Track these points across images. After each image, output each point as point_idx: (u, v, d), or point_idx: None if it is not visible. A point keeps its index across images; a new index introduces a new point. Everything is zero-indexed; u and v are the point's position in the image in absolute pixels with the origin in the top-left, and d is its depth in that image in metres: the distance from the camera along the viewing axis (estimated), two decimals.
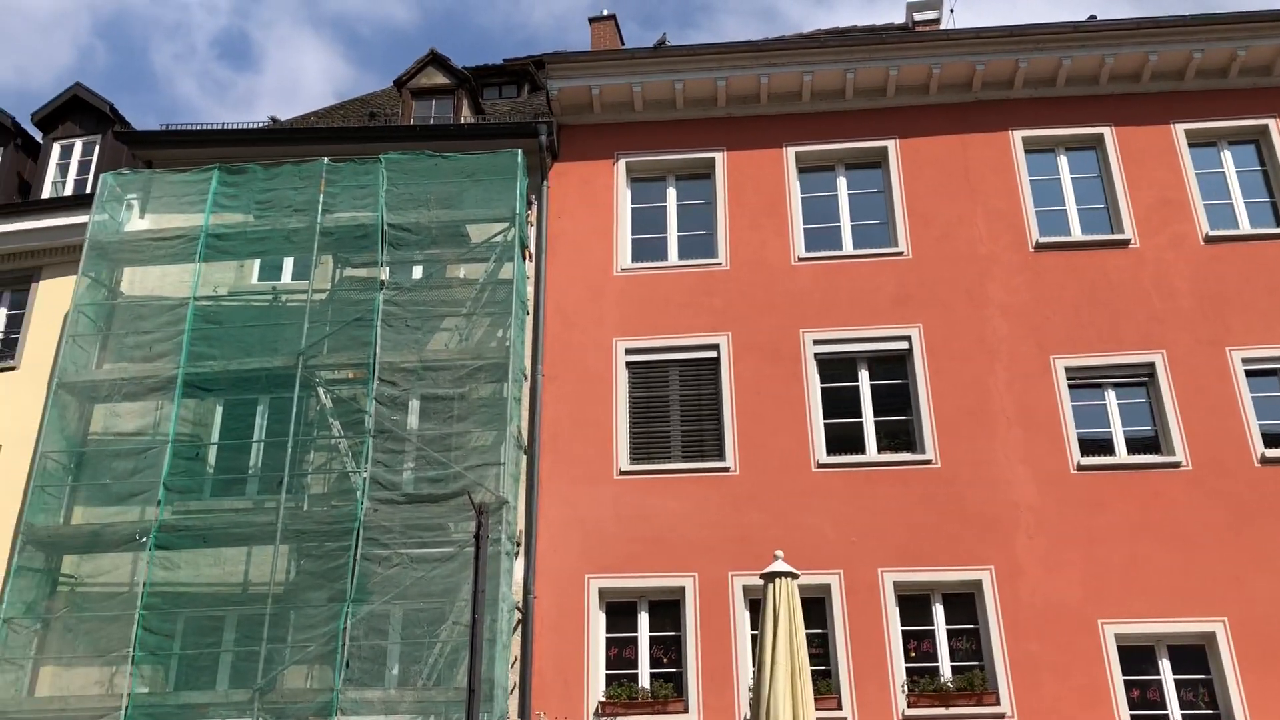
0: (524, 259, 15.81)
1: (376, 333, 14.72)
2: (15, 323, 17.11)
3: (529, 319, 15.80)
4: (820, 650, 13.65)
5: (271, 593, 13.70)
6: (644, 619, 14.26)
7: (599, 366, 15.68)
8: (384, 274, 15.32)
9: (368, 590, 13.55)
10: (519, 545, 14.39)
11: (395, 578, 13.62)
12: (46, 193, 18.50)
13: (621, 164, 17.18)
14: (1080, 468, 14.46)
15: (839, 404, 15.28)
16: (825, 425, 15.05)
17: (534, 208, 16.59)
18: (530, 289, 15.96)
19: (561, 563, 14.47)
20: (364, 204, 15.63)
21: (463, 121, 18.23)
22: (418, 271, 16.17)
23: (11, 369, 16.54)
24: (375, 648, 13.65)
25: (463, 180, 15.72)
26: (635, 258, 16.58)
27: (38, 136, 19.42)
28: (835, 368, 15.53)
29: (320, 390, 14.91)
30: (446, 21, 64.58)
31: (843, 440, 15.01)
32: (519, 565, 14.30)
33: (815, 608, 13.76)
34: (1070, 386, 15.03)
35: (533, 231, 16.41)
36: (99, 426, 15.59)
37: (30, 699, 13.88)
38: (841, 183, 16.99)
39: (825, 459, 14.79)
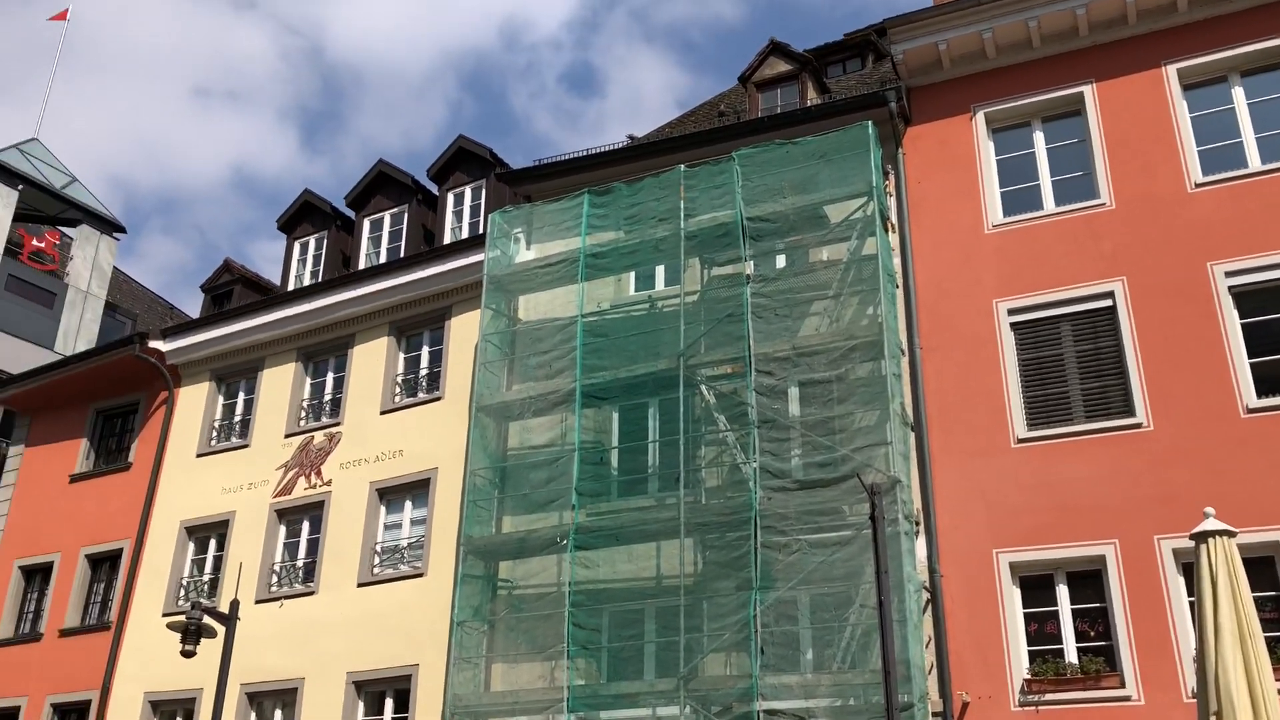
0: (886, 231, 15.45)
1: (748, 326, 14.97)
2: (436, 358, 19.13)
3: (899, 292, 15.44)
4: (1276, 615, 12.18)
5: (683, 584, 14.29)
6: (1063, 591, 13.43)
7: (981, 332, 14.97)
8: (749, 268, 15.55)
9: (772, 577, 13.77)
10: (918, 524, 14.05)
11: (797, 563, 13.75)
12: (447, 239, 20.57)
13: (980, 116, 16.32)
14: None
15: (1265, 340, 13.65)
16: (1251, 365, 13.50)
17: (891, 177, 16.18)
18: (897, 261, 15.60)
19: (966, 539, 13.95)
20: (722, 203, 15.96)
21: (809, 104, 18.12)
22: (781, 260, 16.26)
23: (438, 399, 18.52)
24: (787, 633, 13.84)
25: (815, 162, 15.60)
26: (1007, 212, 15.70)
27: (433, 190, 21.61)
28: (1257, 300, 13.86)
29: (703, 388, 15.39)
30: (772, 10, 64.79)
31: (1273, 380, 13.36)
32: (920, 544, 13.97)
33: (1262, 568, 12.30)
34: None
35: (893, 202, 16.03)
36: (515, 442, 17.08)
37: (487, 694, 15.42)
38: (1238, 93, 15.12)
39: (1255, 403, 13.24)
